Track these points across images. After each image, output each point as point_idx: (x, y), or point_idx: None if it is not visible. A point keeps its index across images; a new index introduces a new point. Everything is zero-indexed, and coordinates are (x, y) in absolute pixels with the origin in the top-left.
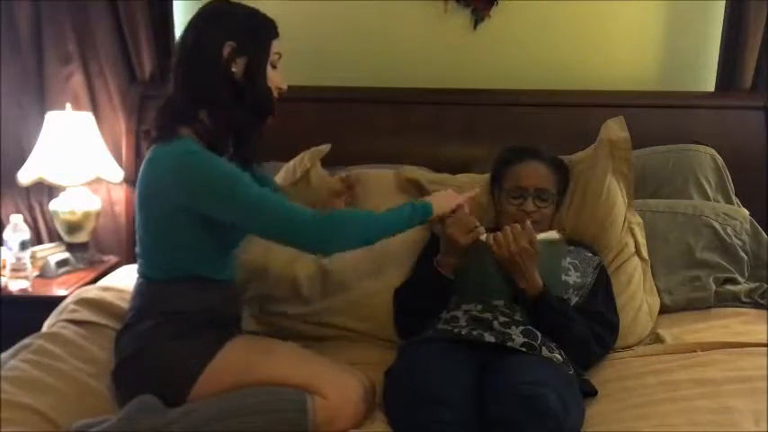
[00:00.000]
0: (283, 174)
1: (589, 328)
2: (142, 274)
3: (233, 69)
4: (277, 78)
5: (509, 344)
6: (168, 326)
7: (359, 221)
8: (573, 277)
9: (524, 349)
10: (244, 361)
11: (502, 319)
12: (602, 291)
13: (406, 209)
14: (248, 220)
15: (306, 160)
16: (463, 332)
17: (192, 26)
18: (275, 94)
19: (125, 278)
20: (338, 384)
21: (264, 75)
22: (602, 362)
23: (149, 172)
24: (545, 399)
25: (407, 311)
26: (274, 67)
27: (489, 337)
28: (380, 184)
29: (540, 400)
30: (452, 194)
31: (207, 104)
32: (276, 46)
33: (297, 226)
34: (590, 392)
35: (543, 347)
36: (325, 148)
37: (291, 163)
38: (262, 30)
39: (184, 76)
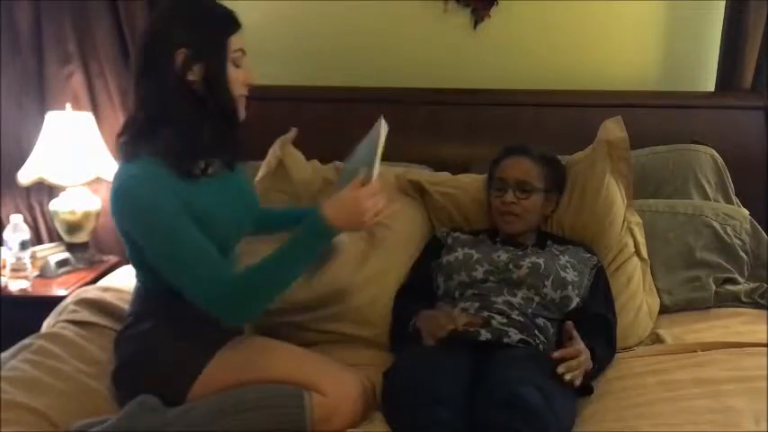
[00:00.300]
0: (262, 170)
1: (590, 330)
2: (139, 280)
3: (190, 78)
4: (242, 76)
5: (505, 340)
6: (167, 328)
7: (263, 286)
8: (570, 275)
9: (521, 345)
10: (242, 360)
11: (499, 318)
12: (601, 293)
13: (299, 246)
14: (164, 266)
15: (277, 149)
16: (460, 329)
17: (145, 33)
18: (243, 92)
19: (125, 278)
20: (336, 382)
21: (225, 79)
22: None
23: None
24: (525, 396)
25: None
26: (237, 65)
27: (486, 335)
28: (381, 182)
29: (520, 397)
30: (356, 204)
31: (168, 121)
32: (236, 42)
33: (206, 286)
34: (588, 391)
35: (540, 344)
36: (293, 133)
37: (267, 157)
38: (215, 28)
39: (141, 90)
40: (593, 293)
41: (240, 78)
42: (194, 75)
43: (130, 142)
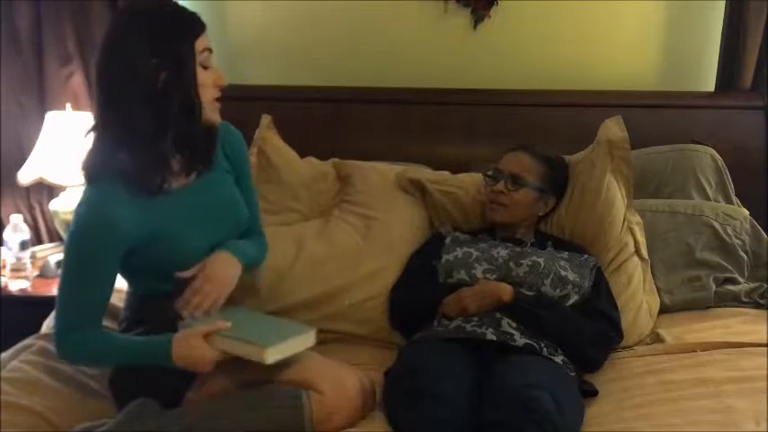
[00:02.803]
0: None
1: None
2: (130, 286)
3: (156, 88)
4: (212, 78)
5: (511, 343)
6: (161, 332)
7: (99, 349)
8: (571, 274)
9: (526, 348)
10: (240, 361)
11: (509, 319)
12: (603, 291)
13: (145, 348)
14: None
15: (256, 139)
16: (468, 328)
17: (106, 42)
18: (214, 95)
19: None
20: (335, 380)
21: (193, 87)
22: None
23: None
24: (539, 401)
25: (403, 314)
26: (206, 67)
27: (491, 336)
28: (381, 180)
29: (534, 402)
30: (200, 346)
31: (129, 138)
32: (202, 43)
33: (58, 331)
34: (591, 393)
35: (545, 348)
36: (266, 120)
37: None
38: (180, 33)
39: (102, 105)
40: (596, 292)
41: (210, 81)
42: (161, 84)
43: (91, 162)
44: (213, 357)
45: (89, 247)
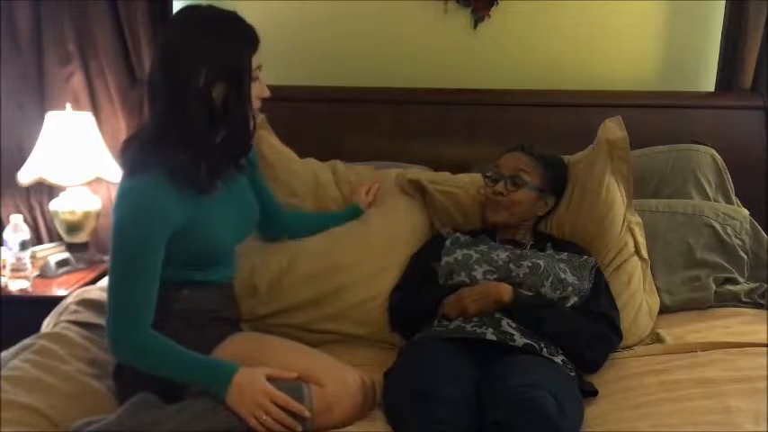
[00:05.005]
0: None
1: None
2: None
3: (212, 96)
4: (257, 91)
5: (510, 343)
6: (164, 325)
7: (161, 361)
8: (570, 277)
9: (526, 348)
10: (242, 354)
11: (508, 320)
12: (602, 291)
13: (205, 376)
14: (108, 284)
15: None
16: (468, 328)
17: (166, 47)
18: (257, 107)
19: None
20: (336, 374)
21: (247, 99)
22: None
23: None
24: (541, 401)
25: (403, 317)
26: (254, 80)
27: (491, 336)
28: (381, 180)
29: (536, 403)
30: (260, 392)
31: (182, 137)
32: (257, 59)
33: (118, 327)
34: (591, 393)
35: (545, 348)
36: (260, 119)
37: None
38: (240, 48)
39: (157, 104)
40: (596, 293)
41: (256, 93)
42: (216, 93)
43: (137, 153)
44: (264, 402)
45: (142, 232)
